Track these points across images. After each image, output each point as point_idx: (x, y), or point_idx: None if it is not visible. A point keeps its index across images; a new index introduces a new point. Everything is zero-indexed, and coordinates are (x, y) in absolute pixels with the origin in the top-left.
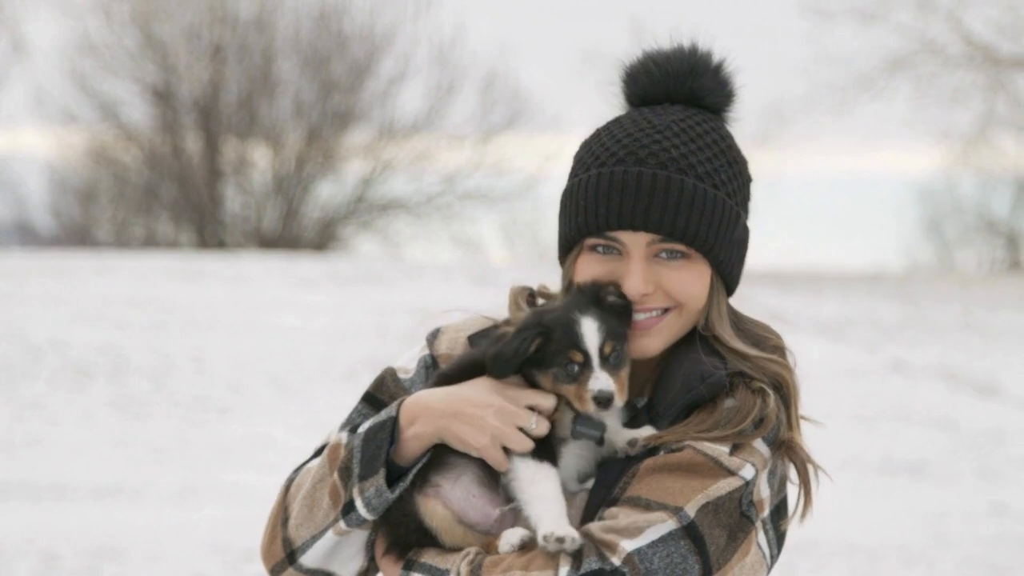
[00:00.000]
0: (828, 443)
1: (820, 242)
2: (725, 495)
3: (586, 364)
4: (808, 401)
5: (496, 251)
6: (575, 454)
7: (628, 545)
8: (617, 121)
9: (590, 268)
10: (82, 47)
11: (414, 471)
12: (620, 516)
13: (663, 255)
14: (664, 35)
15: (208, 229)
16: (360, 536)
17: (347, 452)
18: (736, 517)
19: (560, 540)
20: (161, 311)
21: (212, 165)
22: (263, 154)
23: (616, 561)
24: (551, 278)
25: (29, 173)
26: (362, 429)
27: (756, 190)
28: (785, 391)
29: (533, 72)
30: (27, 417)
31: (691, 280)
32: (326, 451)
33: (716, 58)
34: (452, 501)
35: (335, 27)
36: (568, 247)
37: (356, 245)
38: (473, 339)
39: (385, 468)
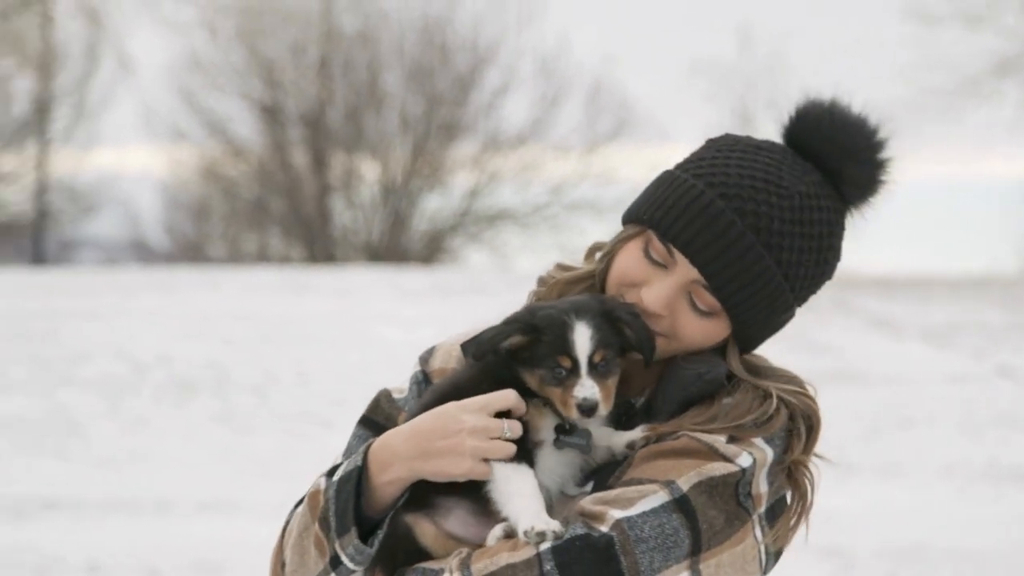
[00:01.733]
0: (934, 448)
1: (929, 249)
2: (719, 477)
3: (574, 370)
4: (914, 407)
5: None
6: (563, 458)
7: (617, 513)
8: (758, 151)
9: (630, 260)
10: (189, 64)
11: (387, 519)
12: (611, 492)
13: (695, 301)
14: (860, 96)
15: (317, 243)
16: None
17: (324, 502)
18: (732, 504)
19: (541, 534)
20: (265, 325)
21: (320, 179)
22: (370, 167)
23: (603, 528)
24: None
25: (140, 191)
26: (335, 477)
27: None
28: (814, 425)
29: (639, 81)
30: (132, 432)
31: (704, 333)
32: (307, 498)
33: (884, 154)
34: (446, 528)
35: (439, 40)
36: (636, 219)
37: (464, 257)
38: (465, 346)
39: (356, 525)
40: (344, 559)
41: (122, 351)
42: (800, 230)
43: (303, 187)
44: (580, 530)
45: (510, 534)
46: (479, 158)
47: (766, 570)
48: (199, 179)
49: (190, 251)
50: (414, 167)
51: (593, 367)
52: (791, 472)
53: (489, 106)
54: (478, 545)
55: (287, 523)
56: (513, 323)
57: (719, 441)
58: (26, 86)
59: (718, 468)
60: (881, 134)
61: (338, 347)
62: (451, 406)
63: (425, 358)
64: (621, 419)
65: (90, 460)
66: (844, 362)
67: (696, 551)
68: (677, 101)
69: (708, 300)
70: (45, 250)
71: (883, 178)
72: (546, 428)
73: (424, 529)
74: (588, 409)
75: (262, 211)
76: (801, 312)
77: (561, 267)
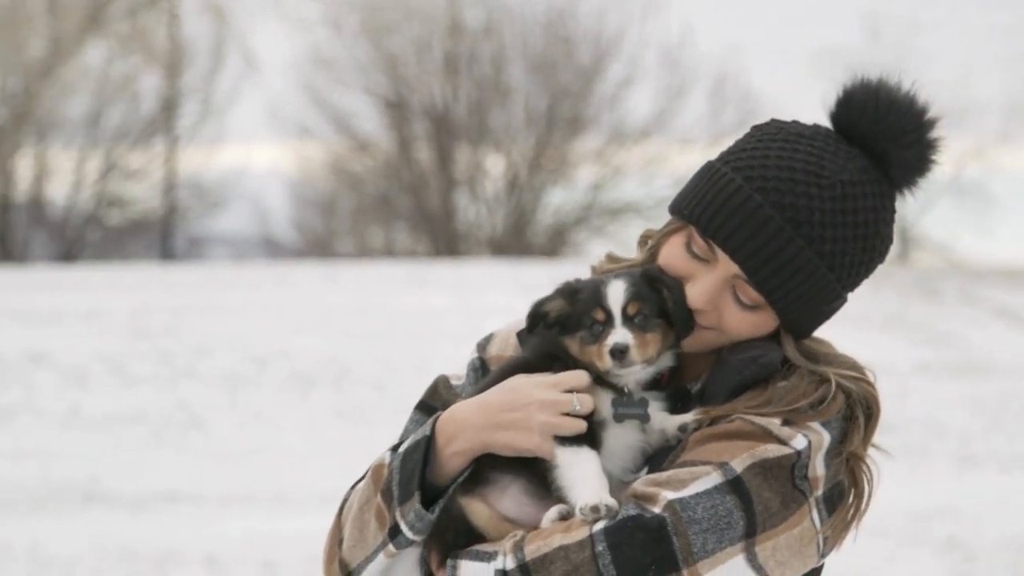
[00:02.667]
0: None
1: None
2: (773, 459)
3: (608, 322)
4: None
5: None
6: (622, 441)
7: (670, 495)
8: (800, 139)
9: (674, 253)
10: (313, 60)
11: (451, 489)
12: (663, 473)
13: (740, 296)
14: (909, 71)
15: (442, 238)
16: (412, 554)
17: (388, 473)
18: (788, 487)
19: (595, 509)
20: (385, 319)
21: (445, 174)
22: (495, 162)
23: (656, 509)
24: None
25: (267, 187)
26: (401, 449)
27: (997, 187)
28: (871, 413)
29: (764, 71)
30: (251, 426)
31: (751, 325)
32: (370, 472)
33: (933, 134)
34: (501, 510)
35: (562, 32)
36: (679, 213)
37: (588, 251)
38: (521, 335)
39: (420, 491)
40: (403, 527)
41: (243, 345)
42: (843, 219)
43: (428, 182)
44: (632, 511)
45: (566, 516)
46: (603, 151)
47: (823, 554)
48: (326, 175)
49: (318, 246)
50: (538, 161)
51: (628, 319)
52: (849, 465)
53: (613, 99)
54: (532, 527)
55: (344, 503)
56: (554, 292)
57: (773, 423)
58: (153, 84)
59: (772, 450)
60: (929, 114)
61: (457, 340)
62: (521, 380)
63: (483, 345)
64: (677, 405)
65: (210, 454)
66: (967, 353)
67: (751, 533)
68: (802, 91)
69: (751, 294)
70: (173, 246)
71: (932, 158)
72: (604, 405)
73: (478, 510)
74: (619, 352)
75: (388, 206)
76: (926, 303)
77: (611, 258)
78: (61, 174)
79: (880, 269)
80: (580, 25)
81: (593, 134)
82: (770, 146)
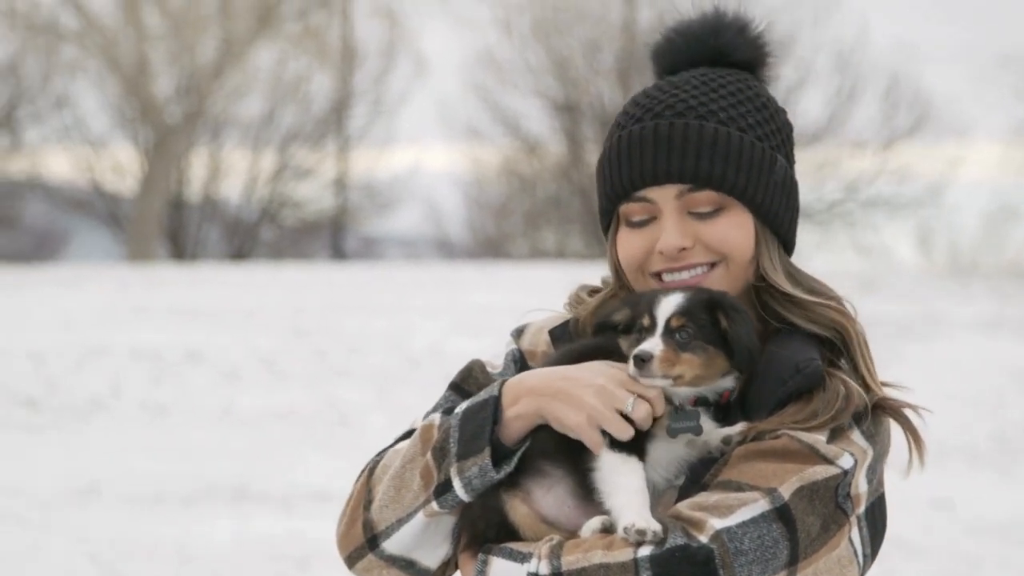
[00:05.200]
0: None
1: None
2: (821, 481)
3: (650, 329)
4: None
5: (909, 259)
6: (669, 454)
7: (717, 523)
8: (641, 92)
9: (629, 241)
10: (484, 62)
11: (518, 454)
12: (710, 496)
13: (699, 211)
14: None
15: None
16: (447, 523)
17: (442, 433)
18: (831, 508)
19: (641, 532)
20: None
21: None
22: None
23: (703, 539)
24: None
25: (438, 187)
26: (459, 409)
27: None
28: (846, 338)
29: (939, 75)
30: (401, 426)
31: (731, 230)
32: (418, 432)
33: (742, 15)
34: (543, 508)
35: None
36: (607, 222)
37: None
38: (554, 332)
39: (490, 446)
40: (457, 484)
41: (397, 345)
42: (718, 93)
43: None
44: (680, 539)
45: (608, 529)
46: None
47: (864, 571)
48: (497, 177)
49: (491, 248)
50: None
51: (669, 331)
52: (880, 409)
53: (785, 101)
54: (569, 531)
55: (374, 466)
56: (624, 300)
57: (820, 441)
58: (324, 85)
59: (820, 472)
60: (720, 10)
61: None
62: (598, 364)
63: (516, 335)
64: (711, 408)
65: (360, 452)
66: None
67: (793, 561)
68: (981, 95)
69: (702, 196)
70: (345, 247)
71: (755, 33)
72: (656, 423)
73: (517, 507)
74: (640, 360)
75: (559, 209)
76: None
77: (587, 292)
78: (234, 174)
79: None
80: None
81: None
82: (619, 114)
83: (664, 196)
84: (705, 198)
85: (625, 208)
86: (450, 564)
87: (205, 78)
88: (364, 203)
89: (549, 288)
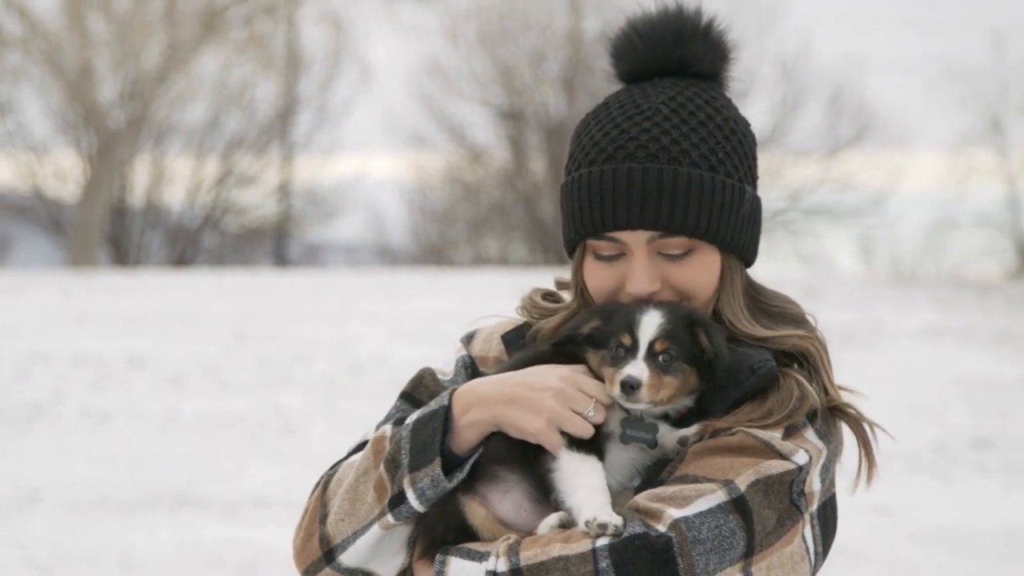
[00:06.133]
0: None
1: None
2: (776, 475)
3: (631, 350)
4: None
5: (850, 267)
6: (625, 458)
7: (675, 513)
8: (605, 106)
9: (597, 274)
10: (429, 70)
11: (470, 461)
12: (667, 488)
13: (668, 253)
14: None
15: (555, 248)
16: (403, 532)
17: (394, 444)
18: (786, 503)
19: (603, 526)
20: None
21: (559, 184)
22: None
23: (661, 528)
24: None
25: (382, 195)
26: (410, 420)
27: None
28: (811, 361)
29: (882, 86)
30: (346, 433)
31: (699, 272)
32: (370, 444)
33: (705, 18)
34: (500, 511)
35: None
36: (572, 246)
37: None
38: (507, 337)
39: (441, 457)
40: (411, 495)
41: (341, 352)
42: (689, 126)
43: (542, 192)
44: (638, 528)
45: (566, 524)
46: None
47: (815, 570)
48: (441, 184)
49: (433, 255)
50: None
51: (652, 355)
52: (836, 414)
53: None
54: (528, 534)
55: (328, 479)
56: (593, 311)
57: (775, 438)
58: (269, 92)
59: (775, 466)
60: (684, 11)
61: None
62: (549, 368)
63: (466, 341)
64: (671, 414)
65: (304, 460)
66: None
67: (749, 553)
68: (923, 105)
69: (674, 242)
70: (288, 253)
71: (718, 37)
72: (613, 420)
73: (475, 509)
74: (630, 386)
75: (502, 216)
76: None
77: (541, 295)
78: (178, 180)
79: (991, 284)
80: None
81: None
82: (586, 131)
83: (635, 240)
84: (676, 242)
85: (594, 243)
86: (407, 574)
87: (149, 84)
88: (308, 210)
89: (493, 295)
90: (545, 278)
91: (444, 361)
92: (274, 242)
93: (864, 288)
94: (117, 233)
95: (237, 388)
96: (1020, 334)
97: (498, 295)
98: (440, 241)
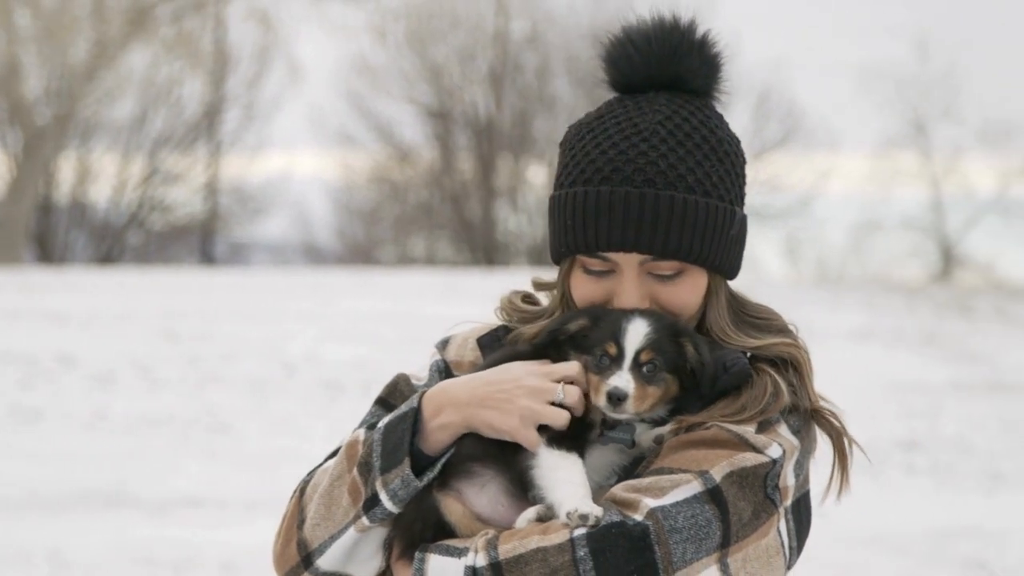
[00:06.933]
0: None
1: None
2: (750, 468)
3: (617, 360)
4: None
5: (777, 269)
6: (603, 459)
7: (651, 502)
8: (600, 120)
9: (585, 287)
10: (357, 68)
11: (442, 460)
12: (643, 480)
13: (659, 274)
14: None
15: (482, 248)
16: (378, 535)
17: (366, 448)
18: (761, 496)
19: (584, 517)
20: (417, 327)
21: (487, 184)
22: (536, 172)
23: (638, 516)
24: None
25: (309, 194)
26: (381, 424)
27: None
28: (798, 368)
29: (808, 88)
30: (279, 432)
31: (688, 293)
32: (343, 449)
33: (699, 33)
34: (477, 507)
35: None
36: (560, 257)
37: None
38: (482, 341)
39: (410, 457)
40: (384, 497)
41: (273, 351)
42: (685, 148)
43: (469, 192)
44: (615, 517)
45: (544, 518)
46: None
47: (790, 565)
48: (368, 183)
49: (360, 255)
50: None
51: (637, 365)
52: (817, 420)
53: None
54: (505, 528)
55: (305, 485)
56: (580, 313)
57: (748, 432)
58: (197, 89)
59: (749, 459)
60: (680, 26)
61: None
62: (515, 365)
63: (441, 347)
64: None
65: (235, 458)
66: (999, 372)
67: (725, 544)
68: (847, 108)
69: (665, 265)
70: (214, 252)
71: (713, 53)
72: (595, 412)
73: (452, 506)
74: (615, 399)
75: (429, 215)
76: (961, 321)
77: (520, 297)
78: (103, 177)
79: (918, 287)
80: None
81: None
82: (579, 145)
83: (627, 260)
84: (667, 265)
85: (585, 259)
86: (385, 574)
87: (76, 80)
88: (234, 208)
89: (421, 294)
90: (472, 278)
91: (419, 367)
92: (200, 240)
93: (792, 290)
94: (42, 230)
95: (167, 386)
96: (947, 336)
97: (427, 294)
98: (366, 240)
